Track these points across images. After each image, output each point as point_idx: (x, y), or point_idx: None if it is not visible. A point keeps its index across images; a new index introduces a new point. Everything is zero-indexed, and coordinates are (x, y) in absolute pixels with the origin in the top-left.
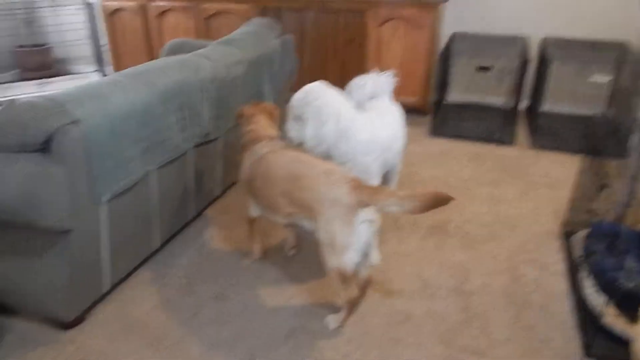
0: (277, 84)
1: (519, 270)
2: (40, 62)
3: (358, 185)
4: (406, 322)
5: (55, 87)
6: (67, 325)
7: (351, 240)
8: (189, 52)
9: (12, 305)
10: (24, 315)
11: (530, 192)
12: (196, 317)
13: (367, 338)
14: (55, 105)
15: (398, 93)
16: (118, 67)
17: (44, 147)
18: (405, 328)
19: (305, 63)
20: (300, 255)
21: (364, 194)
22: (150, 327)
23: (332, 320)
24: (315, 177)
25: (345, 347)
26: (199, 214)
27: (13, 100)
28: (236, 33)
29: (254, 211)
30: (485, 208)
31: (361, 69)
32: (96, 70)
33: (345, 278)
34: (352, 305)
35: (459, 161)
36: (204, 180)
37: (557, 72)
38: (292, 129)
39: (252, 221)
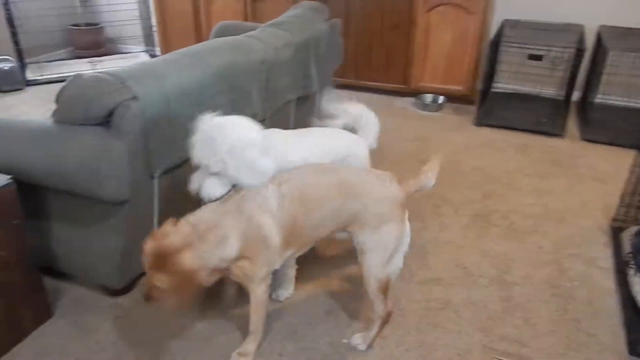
0: (323, 68)
1: (564, 263)
2: (93, 41)
3: (398, 180)
4: (445, 309)
5: (106, 65)
6: (117, 292)
7: (405, 241)
8: (238, 34)
9: (68, 270)
10: (77, 281)
11: (578, 185)
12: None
13: (405, 321)
14: (117, 81)
15: (444, 81)
16: (166, 49)
17: (106, 121)
18: (444, 314)
19: (350, 49)
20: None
21: (406, 187)
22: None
23: (361, 340)
24: (366, 181)
25: (384, 329)
26: None
27: (79, 74)
28: (285, 16)
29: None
30: (532, 199)
31: (406, 57)
32: (145, 51)
33: (388, 287)
34: (387, 320)
35: (504, 152)
36: None
37: (613, 62)
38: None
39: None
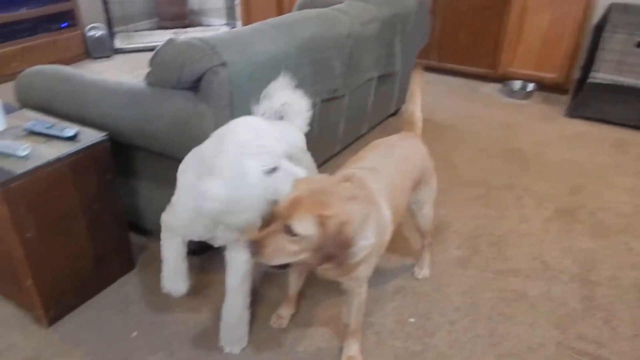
0: (408, 47)
1: None
2: (177, 13)
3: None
4: (519, 301)
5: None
6: (195, 252)
7: None
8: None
9: (152, 227)
10: (157, 238)
11: None
12: None
13: (476, 310)
14: (208, 47)
15: (536, 67)
16: (247, 23)
17: (195, 85)
18: (518, 306)
19: (435, 29)
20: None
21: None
22: None
23: (423, 269)
24: (412, 144)
25: (452, 314)
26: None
27: (172, 39)
28: None
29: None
30: (626, 198)
31: (496, 39)
32: (226, 24)
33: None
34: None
35: (598, 146)
36: (326, 137)
37: None
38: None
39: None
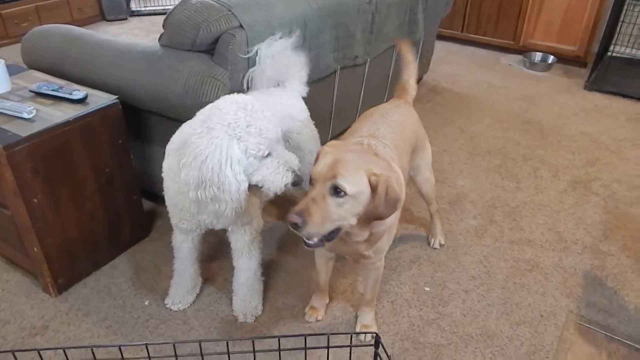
0: (431, 14)
1: None
2: None
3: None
4: (533, 271)
5: None
6: None
7: None
8: None
9: (163, 195)
10: None
11: None
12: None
13: (491, 278)
14: (225, 8)
15: (557, 39)
16: None
17: (211, 48)
18: (532, 276)
19: (458, 1)
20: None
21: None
22: None
23: (438, 237)
24: (404, 112)
25: (467, 283)
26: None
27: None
28: None
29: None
30: None
31: (519, 10)
32: None
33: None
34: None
35: (615, 120)
36: (344, 105)
37: None
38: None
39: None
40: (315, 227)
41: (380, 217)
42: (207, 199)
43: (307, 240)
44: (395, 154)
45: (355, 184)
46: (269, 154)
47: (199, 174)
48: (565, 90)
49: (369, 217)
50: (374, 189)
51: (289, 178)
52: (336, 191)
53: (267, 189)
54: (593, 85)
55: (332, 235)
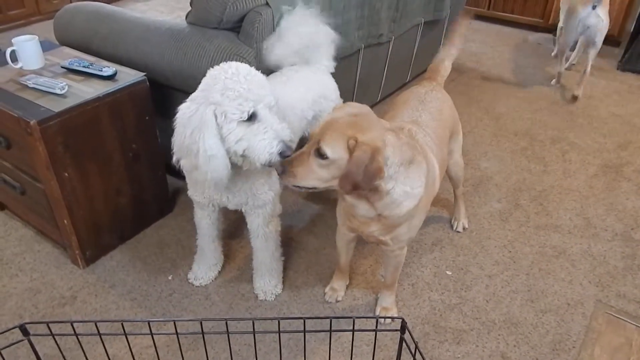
0: None
1: None
2: None
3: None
4: (560, 257)
5: None
6: None
7: None
8: None
9: None
10: None
11: None
12: None
13: (515, 264)
14: None
15: None
16: None
17: (237, 26)
18: (558, 262)
19: None
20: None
21: None
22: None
23: (461, 221)
24: (440, 97)
25: (491, 268)
26: None
27: None
28: None
29: None
30: None
31: None
32: None
33: None
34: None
35: None
36: (367, 84)
37: None
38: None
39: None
40: (294, 180)
41: (358, 187)
42: (191, 167)
43: (283, 181)
44: (435, 144)
45: (335, 150)
46: (255, 120)
47: (179, 141)
48: (596, 70)
49: (346, 183)
50: (350, 154)
51: (274, 147)
52: (319, 153)
53: (253, 159)
54: (626, 65)
55: (309, 189)
